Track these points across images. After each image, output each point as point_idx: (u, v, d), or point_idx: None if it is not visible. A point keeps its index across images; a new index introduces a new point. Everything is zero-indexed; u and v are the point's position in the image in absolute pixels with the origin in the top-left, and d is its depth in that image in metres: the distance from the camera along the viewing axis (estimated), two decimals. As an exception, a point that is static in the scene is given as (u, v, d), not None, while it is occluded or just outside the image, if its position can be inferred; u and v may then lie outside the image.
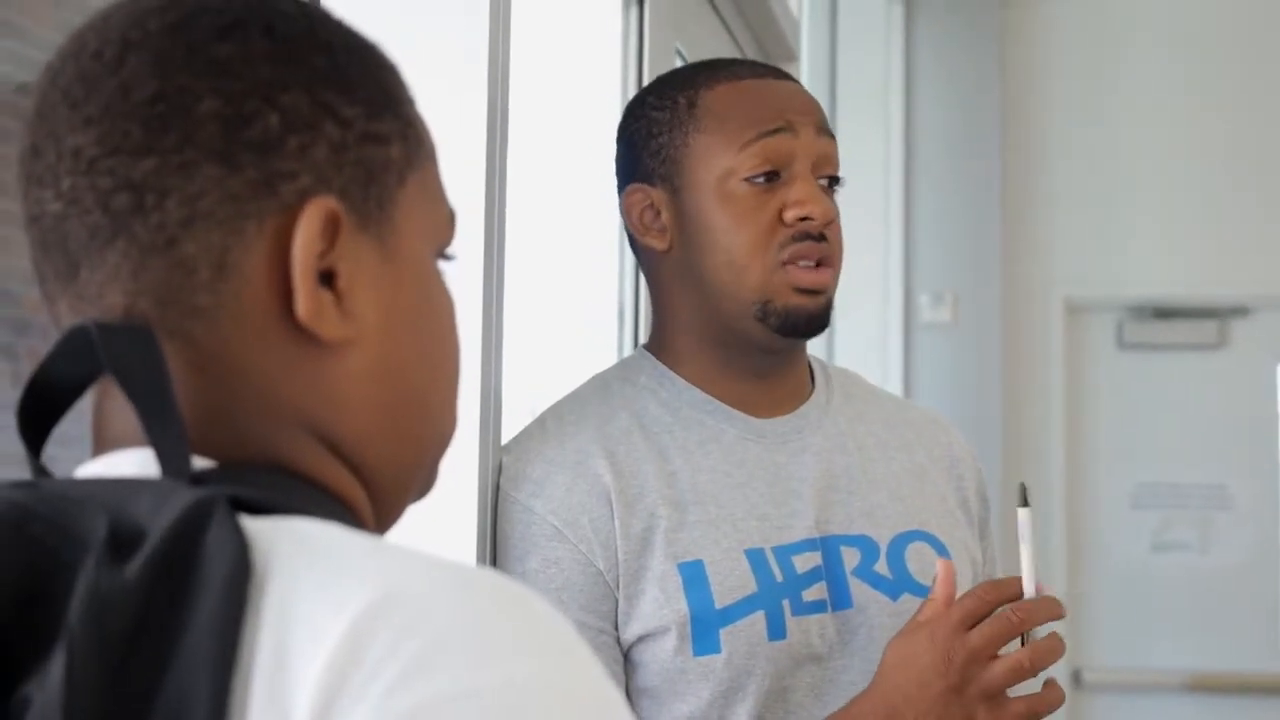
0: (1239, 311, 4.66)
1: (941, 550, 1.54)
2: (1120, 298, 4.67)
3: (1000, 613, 1.35)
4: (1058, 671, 1.37)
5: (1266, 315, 4.66)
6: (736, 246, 1.48)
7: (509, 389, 1.61)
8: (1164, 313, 4.68)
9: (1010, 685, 1.35)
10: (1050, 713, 1.37)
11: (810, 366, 1.62)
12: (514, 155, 1.63)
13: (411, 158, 0.79)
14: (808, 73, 4.02)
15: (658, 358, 1.56)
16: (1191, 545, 4.61)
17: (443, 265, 0.83)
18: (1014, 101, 4.63)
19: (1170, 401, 4.63)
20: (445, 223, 0.83)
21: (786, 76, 1.58)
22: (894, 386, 4.20)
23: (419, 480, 0.82)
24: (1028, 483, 1.49)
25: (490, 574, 0.67)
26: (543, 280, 2.33)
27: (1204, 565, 4.59)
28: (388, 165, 0.78)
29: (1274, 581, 4.55)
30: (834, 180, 1.54)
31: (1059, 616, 1.36)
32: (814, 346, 1.64)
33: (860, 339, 4.23)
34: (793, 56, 3.59)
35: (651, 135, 1.53)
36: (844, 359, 3.93)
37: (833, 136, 1.54)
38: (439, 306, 0.82)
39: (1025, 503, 1.39)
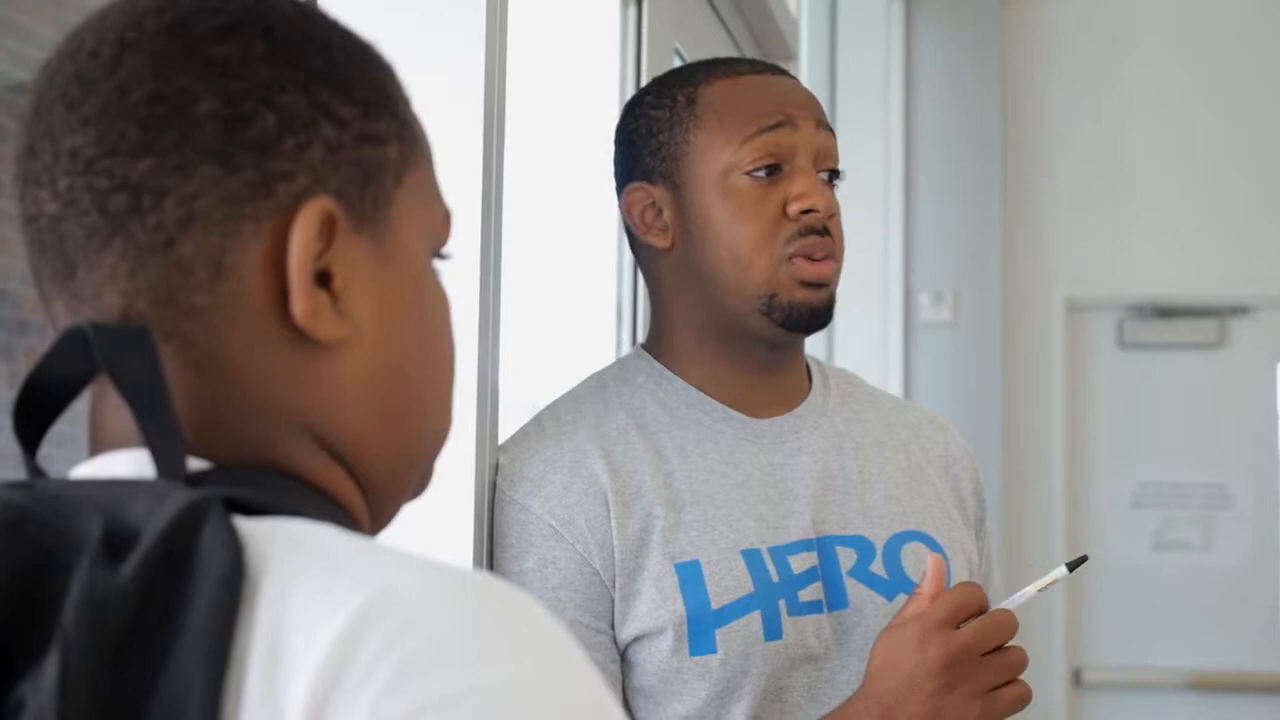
0: (1239, 311, 4.66)
1: (937, 551, 1.53)
2: (1121, 297, 4.67)
3: (994, 614, 1.36)
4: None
5: (1266, 315, 4.65)
6: (741, 240, 1.49)
7: (506, 388, 1.61)
8: (1164, 312, 4.68)
9: (1001, 681, 1.36)
10: (1028, 702, 1.39)
11: (808, 366, 1.62)
12: (511, 155, 1.63)
13: (408, 158, 0.79)
14: (808, 72, 4.01)
15: (656, 357, 1.56)
16: (1192, 545, 4.60)
17: (439, 265, 0.83)
18: (1015, 101, 4.62)
19: (1171, 401, 4.63)
20: (441, 222, 0.83)
21: (784, 73, 1.59)
22: (894, 386, 4.19)
23: (415, 479, 0.83)
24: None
25: (485, 577, 0.67)
26: (540, 280, 2.33)
27: (1205, 565, 4.59)
28: (384, 165, 0.78)
29: (1275, 581, 4.55)
30: (834, 174, 1.54)
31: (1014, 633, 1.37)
32: (814, 346, 1.64)
33: (860, 339, 4.22)
34: (792, 56, 3.59)
35: (651, 134, 1.53)
36: (844, 359, 3.93)
37: (832, 131, 1.55)
38: (435, 306, 0.82)
39: (1072, 569, 1.39)
